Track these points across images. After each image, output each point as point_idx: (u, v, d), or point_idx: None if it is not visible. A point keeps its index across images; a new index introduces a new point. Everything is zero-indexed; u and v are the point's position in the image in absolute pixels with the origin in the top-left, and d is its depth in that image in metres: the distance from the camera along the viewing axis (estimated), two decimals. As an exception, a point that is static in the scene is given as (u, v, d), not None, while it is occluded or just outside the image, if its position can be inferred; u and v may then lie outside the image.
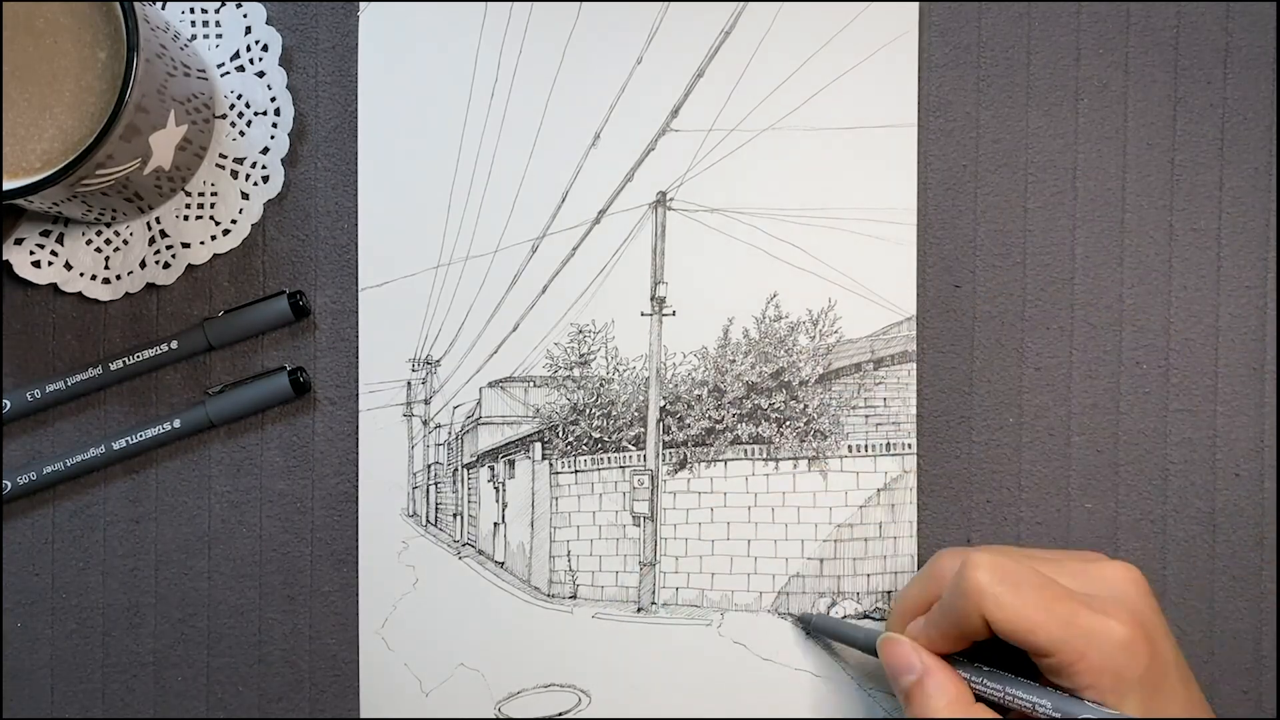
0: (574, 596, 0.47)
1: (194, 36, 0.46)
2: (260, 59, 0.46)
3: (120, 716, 0.47)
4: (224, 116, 0.46)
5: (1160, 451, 0.46)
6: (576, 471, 0.48)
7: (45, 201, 0.41)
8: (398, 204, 0.47)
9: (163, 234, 0.46)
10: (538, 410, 0.47)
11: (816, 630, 0.46)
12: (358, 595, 0.47)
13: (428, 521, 0.47)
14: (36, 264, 0.46)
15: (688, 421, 0.47)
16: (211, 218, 0.46)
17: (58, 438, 0.47)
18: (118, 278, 0.46)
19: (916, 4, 0.46)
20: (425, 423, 0.47)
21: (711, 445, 0.47)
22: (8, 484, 0.46)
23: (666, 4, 0.46)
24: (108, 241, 0.46)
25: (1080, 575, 0.39)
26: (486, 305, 0.47)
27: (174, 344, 0.46)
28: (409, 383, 0.47)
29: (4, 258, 0.46)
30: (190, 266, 0.46)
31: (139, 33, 0.38)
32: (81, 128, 0.39)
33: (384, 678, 0.47)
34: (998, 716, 0.38)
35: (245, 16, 0.46)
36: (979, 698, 0.39)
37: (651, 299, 0.47)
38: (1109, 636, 0.36)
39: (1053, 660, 0.37)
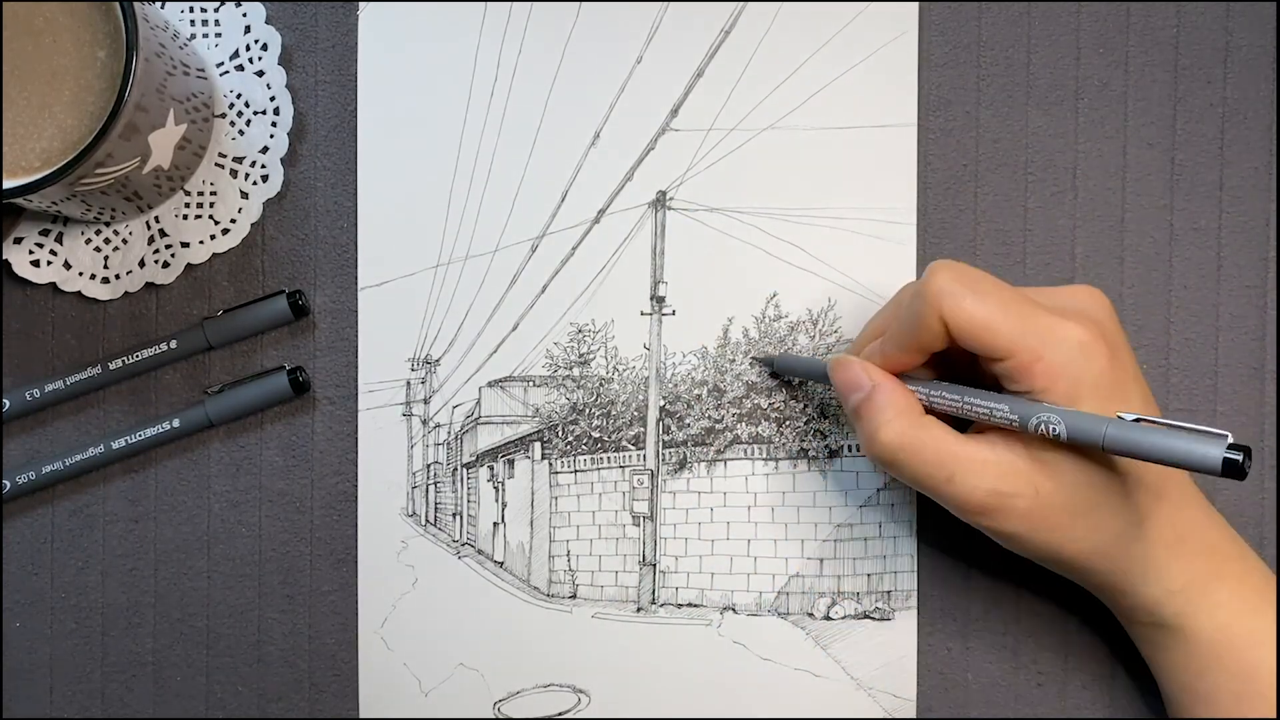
0: (574, 596, 0.47)
1: (193, 36, 0.46)
2: (259, 58, 0.46)
3: (119, 716, 0.47)
4: (223, 116, 0.46)
5: (1160, 451, 0.46)
6: (576, 471, 0.48)
7: (44, 200, 0.41)
8: (397, 203, 0.47)
9: (162, 233, 0.46)
10: (537, 410, 0.47)
11: (780, 369, 0.46)
12: (357, 595, 0.47)
13: (427, 521, 0.47)
14: (36, 263, 0.46)
15: (687, 421, 0.47)
16: (211, 217, 0.46)
17: (57, 437, 0.47)
18: (117, 277, 0.46)
19: (916, 4, 0.46)
20: (425, 422, 0.47)
21: (711, 445, 0.47)
22: (7, 484, 0.46)
23: (666, 4, 0.46)
24: (107, 241, 0.46)
25: (1043, 293, 0.39)
26: (486, 305, 0.47)
27: (173, 343, 0.46)
28: (408, 382, 0.47)
29: (3, 257, 0.46)
30: (189, 266, 0.46)
31: (138, 32, 0.38)
32: (81, 127, 0.39)
33: (383, 677, 0.47)
34: (945, 426, 0.38)
35: (244, 16, 0.46)
36: (931, 412, 0.39)
37: (651, 298, 0.47)
38: (1067, 337, 0.36)
39: (1010, 363, 0.37)
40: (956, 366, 0.40)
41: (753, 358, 0.46)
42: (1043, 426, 0.36)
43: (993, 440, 0.38)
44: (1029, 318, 0.37)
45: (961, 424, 0.39)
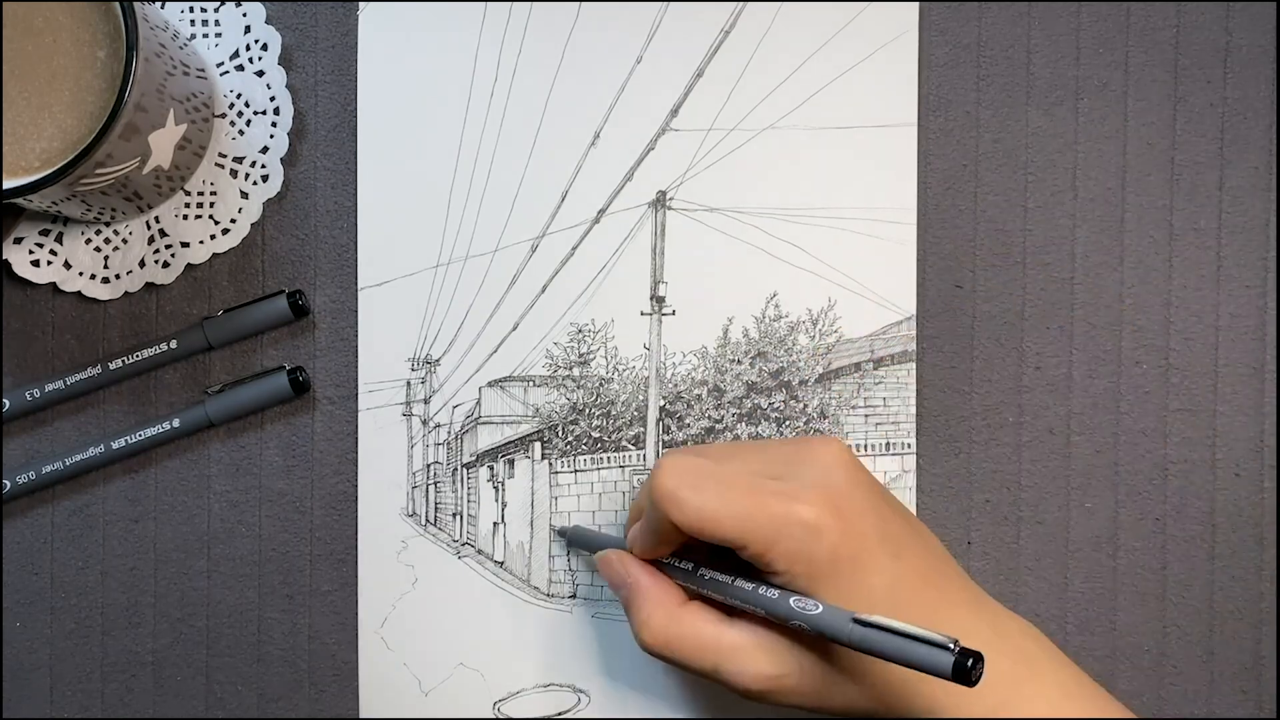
0: (574, 596, 0.47)
1: (193, 35, 0.46)
2: (260, 58, 0.46)
3: (119, 716, 0.47)
4: (223, 116, 0.46)
5: (1160, 451, 0.46)
6: (576, 471, 0.48)
7: (44, 201, 0.41)
8: (397, 203, 0.47)
9: (162, 233, 0.46)
10: (537, 410, 0.47)
11: (572, 542, 0.47)
12: (357, 595, 0.47)
13: (427, 521, 0.47)
14: (35, 263, 0.46)
15: (687, 421, 0.47)
16: (211, 217, 0.46)
17: (57, 437, 0.47)
18: (117, 277, 0.46)
19: (916, 4, 0.46)
20: (425, 422, 0.47)
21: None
22: (7, 483, 0.46)
23: (666, 4, 0.46)
24: (107, 241, 0.46)
25: (782, 462, 0.39)
26: (486, 305, 0.47)
27: (173, 343, 0.46)
28: (408, 382, 0.47)
29: (3, 257, 0.46)
30: (189, 266, 0.46)
31: (138, 32, 0.38)
32: (81, 127, 0.39)
33: (383, 677, 0.47)
34: (709, 613, 0.38)
35: (244, 16, 0.46)
36: (697, 595, 0.39)
37: (651, 298, 0.47)
38: (794, 520, 0.36)
39: (749, 553, 0.37)
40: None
41: (554, 528, 0.47)
42: (799, 625, 0.36)
43: (755, 624, 0.38)
44: (756, 507, 0.36)
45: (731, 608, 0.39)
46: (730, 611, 0.39)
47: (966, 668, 0.32)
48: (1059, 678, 0.38)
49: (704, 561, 0.40)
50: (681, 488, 0.37)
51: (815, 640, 0.37)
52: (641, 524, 0.40)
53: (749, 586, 0.37)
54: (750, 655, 0.37)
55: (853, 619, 0.34)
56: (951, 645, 0.32)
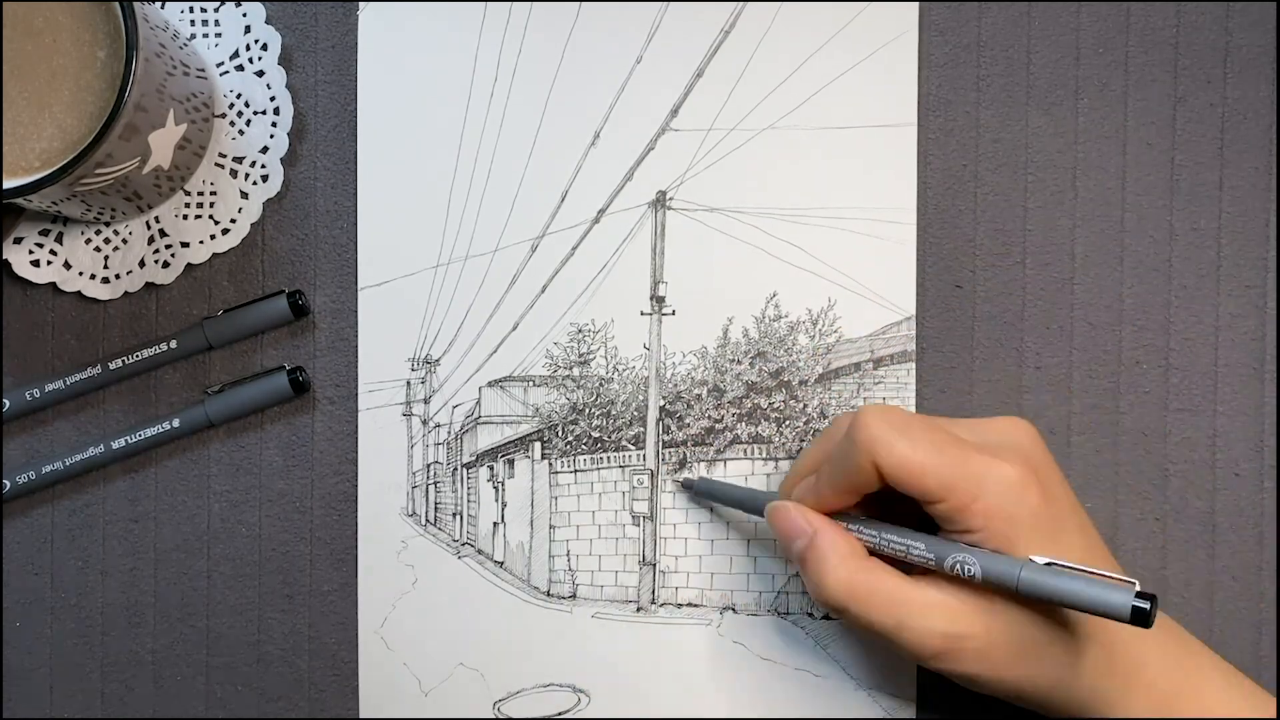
0: (573, 596, 0.47)
1: (193, 35, 0.46)
2: (259, 58, 0.46)
3: (119, 716, 0.47)
4: (223, 116, 0.46)
5: (1160, 451, 0.46)
6: (576, 471, 0.48)
7: (44, 200, 0.41)
8: (397, 203, 0.47)
9: (162, 233, 0.46)
10: (537, 410, 0.47)
11: (700, 493, 0.46)
12: (357, 595, 0.47)
13: (427, 521, 0.47)
14: (35, 263, 0.46)
15: (687, 421, 0.47)
16: (211, 217, 0.46)
17: (57, 437, 0.47)
18: (117, 277, 0.46)
19: (916, 4, 0.46)
20: (425, 422, 0.47)
21: (711, 445, 0.47)
22: (7, 483, 0.46)
23: (666, 4, 0.46)
24: (107, 241, 0.46)
25: (972, 429, 0.39)
26: (486, 305, 0.47)
27: (173, 343, 0.46)
28: (408, 382, 0.47)
29: (3, 257, 0.46)
30: (189, 266, 0.46)
31: (138, 32, 0.38)
32: (81, 127, 0.39)
33: (383, 677, 0.47)
34: (892, 570, 0.38)
35: (244, 16, 0.46)
36: (872, 552, 0.39)
37: (651, 298, 0.47)
38: (1000, 478, 0.36)
39: (945, 506, 0.36)
40: (892, 502, 0.40)
41: (676, 479, 0.47)
42: (958, 567, 0.36)
43: (940, 583, 0.37)
44: (961, 460, 0.36)
45: (907, 566, 0.39)
46: (909, 571, 0.38)
47: (1145, 610, 0.32)
48: (1215, 665, 0.39)
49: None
50: (890, 432, 0.37)
51: (1000, 607, 0.36)
52: (824, 473, 0.39)
53: (907, 540, 0.37)
54: (936, 612, 0.37)
55: (1029, 559, 0.34)
56: (1132, 584, 0.32)
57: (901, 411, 0.38)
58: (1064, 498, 0.38)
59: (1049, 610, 0.37)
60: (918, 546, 0.37)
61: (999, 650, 0.37)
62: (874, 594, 0.37)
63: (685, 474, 0.47)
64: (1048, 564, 0.34)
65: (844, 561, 0.38)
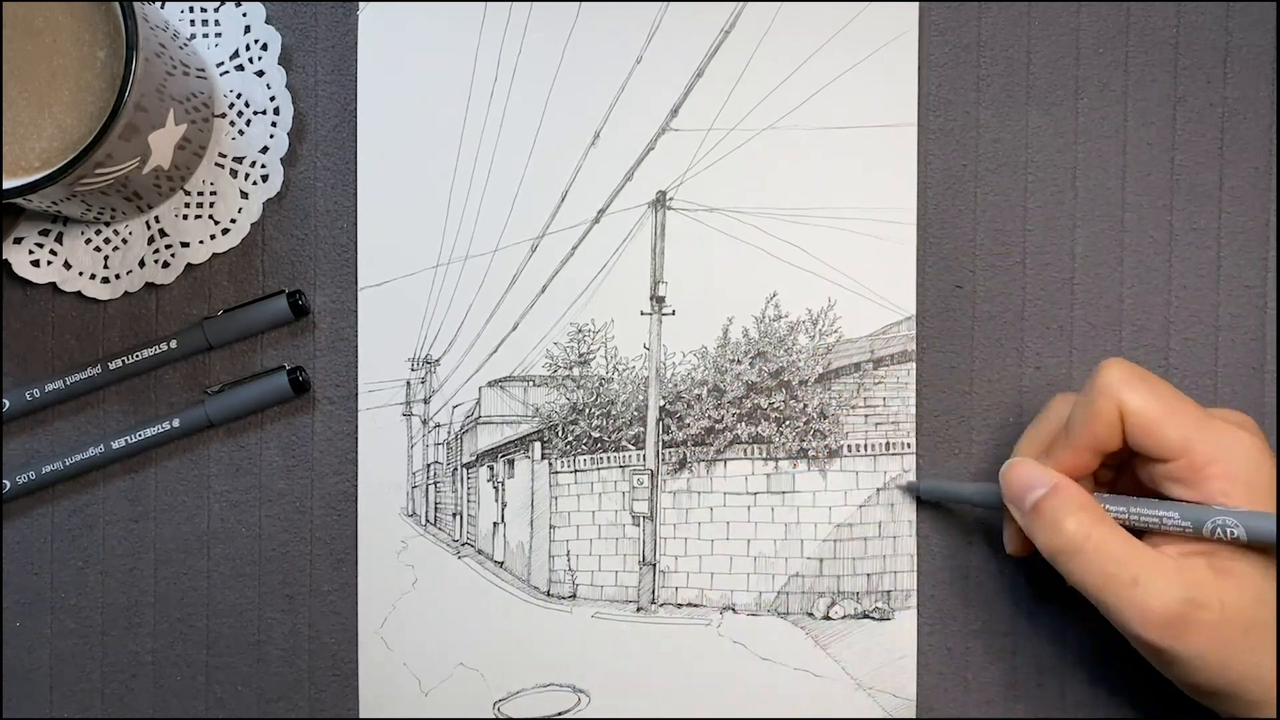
0: (573, 596, 0.47)
1: (193, 35, 0.46)
2: (259, 58, 0.46)
3: (119, 716, 0.47)
4: (223, 116, 0.46)
5: (1160, 451, 0.46)
6: (576, 471, 0.48)
7: (44, 200, 0.41)
8: (397, 203, 0.47)
9: (162, 233, 0.46)
10: (537, 410, 0.47)
11: (926, 495, 0.45)
12: (357, 595, 0.47)
13: (427, 521, 0.47)
14: (35, 263, 0.46)
15: (687, 421, 0.47)
16: (211, 217, 0.46)
17: (57, 437, 0.47)
18: (117, 277, 0.46)
19: (916, 4, 0.46)
20: (425, 422, 0.47)
21: (711, 445, 0.47)
22: (7, 484, 0.46)
23: (666, 4, 0.46)
24: (107, 241, 0.46)
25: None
26: (486, 304, 0.47)
27: (173, 343, 0.46)
28: (408, 382, 0.47)
29: (3, 257, 0.46)
30: (189, 266, 0.46)
31: (138, 32, 0.38)
32: (81, 127, 0.39)
33: (383, 677, 0.47)
34: (1121, 529, 0.37)
35: (244, 16, 0.46)
36: None
37: (651, 298, 0.47)
38: (1241, 441, 0.36)
39: (1183, 463, 0.36)
40: (1106, 481, 0.40)
41: (898, 486, 0.46)
42: (1219, 530, 0.35)
43: (1175, 552, 0.37)
44: (1203, 419, 0.36)
45: None
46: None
47: None
48: None
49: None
50: (1135, 382, 0.37)
51: (1236, 583, 0.36)
52: (1067, 431, 0.39)
53: (1163, 507, 0.37)
54: (1172, 575, 0.36)
55: None
56: None
57: (1142, 369, 0.38)
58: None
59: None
60: (1171, 515, 0.36)
61: (1229, 626, 0.35)
62: (1110, 545, 0.36)
63: (908, 478, 0.46)
64: None
65: (1083, 510, 0.37)
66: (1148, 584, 0.36)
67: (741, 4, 0.46)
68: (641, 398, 0.47)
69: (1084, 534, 0.37)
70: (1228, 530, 0.35)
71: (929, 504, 0.46)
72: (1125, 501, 0.38)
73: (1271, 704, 0.37)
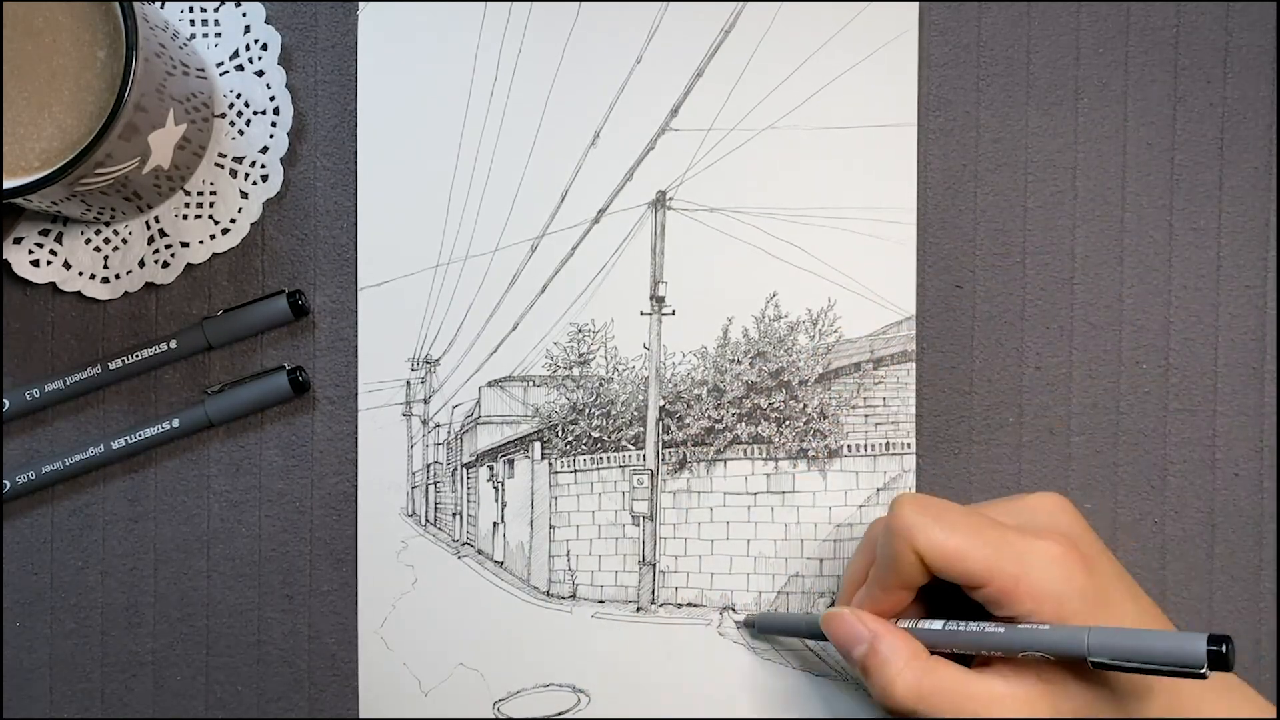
0: (573, 596, 0.47)
1: (193, 35, 0.46)
2: (259, 58, 0.46)
3: (119, 716, 0.47)
4: (223, 116, 0.46)
5: (1160, 451, 0.46)
6: (576, 471, 0.48)
7: (44, 200, 0.41)
8: (397, 203, 0.47)
9: (162, 233, 0.46)
10: (537, 410, 0.47)
11: (761, 629, 0.46)
12: (357, 595, 0.47)
13: (427, 521, 0.47)
14: (35, 263, 0.46)
15: (687, 421, 0.47)
16: (211, 217, 0.46)
17: (57, 437, 0.47)
18: (117, 277, 0.46)
19: (916, 4, 0.46)
20: (424, 422, 0.47)
21: (711, 445, 0.47)
22: (7, 484, 0.46)
23: (666, 4, 0.46)
24: (106, 241, 0.46)
25: (1007, 511, 0.39)
26: (486, 304, 0.47)
27: (173, 343, 0.46)
28: (408, 382, 0.47)
29: (3, 257, 0.46)
30: (189, 266, 0.46)
31: (138, 32, 0.38)
32: (80, 127, 0.39)
33: (383, 677, 0.47)
34: (955, 665, 0.38)
35: (244, 16, 0.46)
36: (933, 652, 0.39)
37: (651, 298, 0.47)
38: (1043, 554, 0.36)
39: (991, 589, 0.36)
40: (942, 600, 0.40)
41: (737, 621, 0.46)
42: (1030, 653, 0.36)
43: (1003, 672, 0.37)
44: (1001, 541, 0.36)
45: (965, 658, 0.39)
46: (969, 665, 0.38)
47: (1222, 653, 0.32)
48: None
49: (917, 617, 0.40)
50: (926, 520, 0.37)
51: (1069, 690, 0.36)
52: (875, 572, 0.39)
53: (975, 626, 0.37)
54: (1006, 702, 0.36)
55: (1089, 631, 0.34)
56: (1201, 637, 0.32)
57: (936, 499, 0.38)
58: (1108, 567, 0.38)
59: (1116, 687, 0.37)
60: (987, 639, 0.37)
61: None
62: (942, 692, 0.37)
63: (743, 615, 0.46)
64: (1111, 630, 0.34)
65: (908, 664, 0.37)
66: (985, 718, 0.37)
67: (741, 4, 0.46)
68: (641, 398, 0.47)
69: (915, 692, 0.37)
70: (1036, 653, 0.36)
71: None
72: (945, 624, 0.38)
73: None
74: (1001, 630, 0.37)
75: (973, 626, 0.37)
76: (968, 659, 0.38)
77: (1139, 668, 0.33)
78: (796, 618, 0.44)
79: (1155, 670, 0.33)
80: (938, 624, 0.38)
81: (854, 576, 0.42)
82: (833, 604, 0.45)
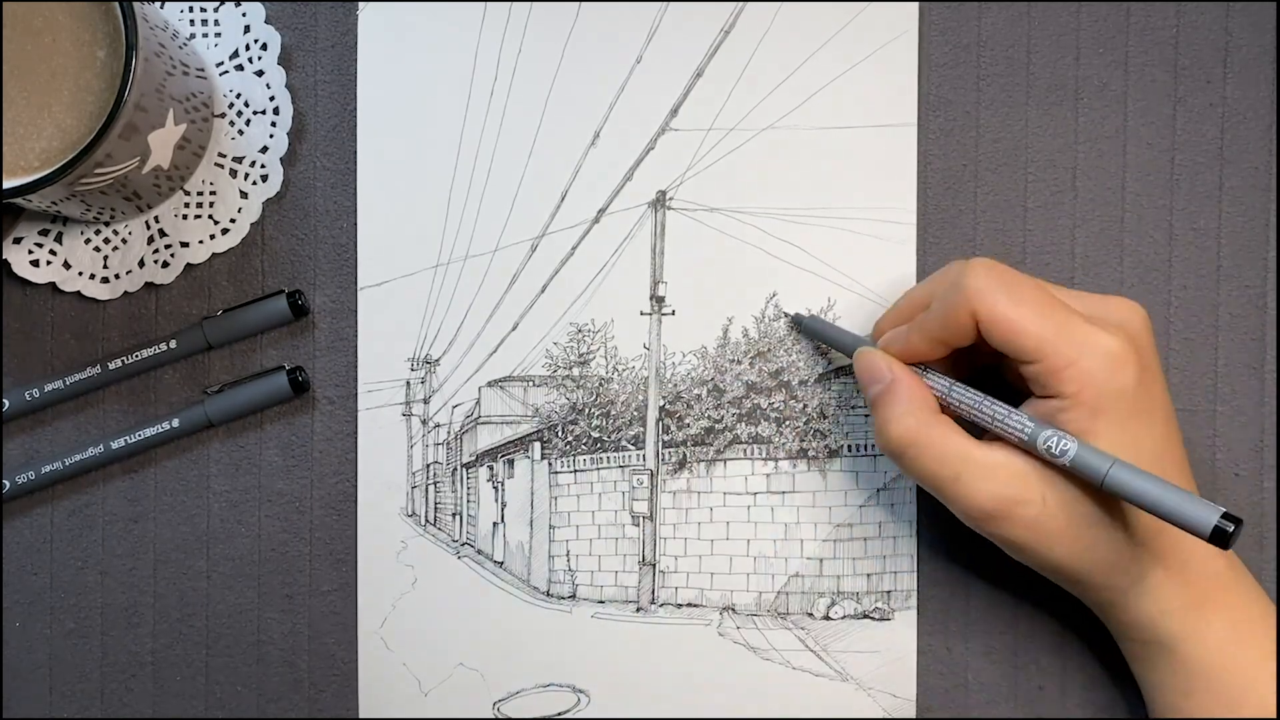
0: (573, 596, 0.47)
1: (193, 35, 0.46)
2: (259, 58, 0.46)
3: (119, 716, 0.47)
4: (223, 115, 0.46)
5: (1160, 451, 0.46)
6: (576, 471, 0.48)
7: (44, 200, 0.40)
8: (397, 203, 0.47)
9: (161, 233, 0.46)
10: (537, 410, 0.47)
11: (807, 330, 0.46)
12: (356, 595, 0.47)
13: (427, 521, 0.47)
14: (35, 263, 0.46)
15: (687, 421, 0.47)
16: (210, 217, 0.46)
17: (56, 437, 0.47)
18: (116, 277, 0.46)
19: (916, 4, 0.46)
20: (424, 422, 0.47)
21: (711, 445, 0.47)
22: (7, 484, 0.46)
23: (666, 4, 0.46)
24: (106, 241, 0.46)
25: (1084, 301, 0.39)
26: (486, 304, 0.47)
27: (173, 343, 0.46)
28: (408, 382, 0.47)
29: (3, 257, 0.46)
30: (189, 266, 0.46)
31: (138, 31, 0.38)
32: (80, 126, 0.39)
33: (383, 677, 0.47)
34: (958, 428, 0.38)
35: (244, 15, 0.46)
36: (947, 412, 0.39)
37: (651, 298, 0.47)
38: (1099, 346, 0.36)
39: (1040, 366, 0.37)
40: (985, 363, 0.40)
41: (786, 316, 0.46)
42: (1050, 444, 0.36)
43: (1006, 448, 0.38)
44: (1064, 323, 0.37)
45: (978, 432, 0.39)
46: (977, 436, 0.39)
47: (1228, 531, 0.32)
48: (1255, 586, 0.41)
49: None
50: (996, 287, 0.37)
51: (1061, 481, 0.37)
52: (922, 320, 0.39)
53: (1005, 409, 0.37)
54: (995, 472, 0.37)
55: (1115, 462, 0.35)
56: (1216, 512, 0.33)
57: (1008, 269, 0.38)
58: (1157, 384, 0.38)
59: (1110, 501, 0.37)
60: (1011, 422, 0.37)
61: (1048, 522, 0.37)
62: (934, 444, 0.38)
63: (796, 311, 0.46)
64: (1134, 471, 0.34)
65: (914, 410, 0.38)
66: (967, 481, 0.37)
67: (741, 4, 0.46)
68: (641, 398, 0.47)
69: (909, 436, 0.38)
70: (1061, 447, 0.36)
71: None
72: (977, 396, 0.39)
73: (1098, 588, 0.39)
74: (1033, 421, 0.37)
75: (1002, 407, 0.38)
76: (978, 431, 0.39)
77: (1155, 512, 0.34)
78: (843, 334, 0.44)
79: (1164, 516, 0.34)
80: (966, 391, 0.39)
81: (900, 311, 0.41)
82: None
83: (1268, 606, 0.40)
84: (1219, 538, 0.33)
